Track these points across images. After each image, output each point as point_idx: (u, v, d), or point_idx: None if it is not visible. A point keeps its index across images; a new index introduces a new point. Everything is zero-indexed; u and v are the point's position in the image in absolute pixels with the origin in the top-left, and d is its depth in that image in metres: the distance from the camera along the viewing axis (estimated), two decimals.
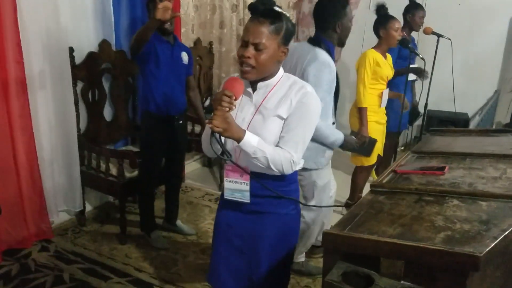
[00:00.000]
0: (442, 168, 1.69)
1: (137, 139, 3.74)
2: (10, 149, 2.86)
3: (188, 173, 4.47)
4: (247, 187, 1.71)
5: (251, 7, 1.61)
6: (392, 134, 3.78)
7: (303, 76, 2.34)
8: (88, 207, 3.55)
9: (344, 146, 2.60)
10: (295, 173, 1.80)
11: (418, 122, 4.27)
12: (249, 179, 1.71)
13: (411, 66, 3.64)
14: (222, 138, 1.58)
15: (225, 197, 1.78)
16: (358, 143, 2.85)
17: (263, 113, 1.65)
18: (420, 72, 3.73)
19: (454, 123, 4.54)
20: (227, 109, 1.53)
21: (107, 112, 3.54)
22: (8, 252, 2.96)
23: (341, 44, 2.59)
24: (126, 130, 3.68)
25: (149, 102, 2.99)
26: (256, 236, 1.81)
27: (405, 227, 1.28)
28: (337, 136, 2.53)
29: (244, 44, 1.59)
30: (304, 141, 1.67)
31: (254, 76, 1.62)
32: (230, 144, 1.66)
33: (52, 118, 3.15)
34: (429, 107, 4.07)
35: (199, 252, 3.16)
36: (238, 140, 1.56)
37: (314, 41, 2.48)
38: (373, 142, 3.06)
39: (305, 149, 1.72)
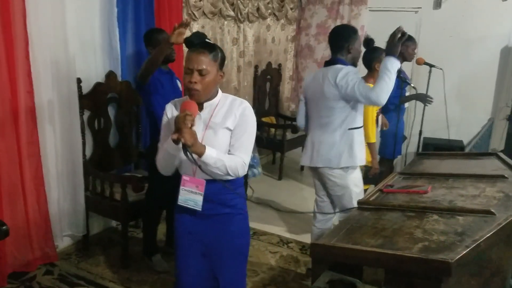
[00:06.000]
0: (425, 187, 1.79)
1: (140, 165, 3.85)
2: (18, 174, 2.96)
3: None
4: (201, 197, 1.91)
5: (187, 41, 1.88)
6: (388, 161, 3.90)
7: (341, 87, 2.68)
8: (92, 232, 3.62)
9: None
10: (242, 178, 2.03)
11: (414, 149, 4.39)
12: (203, 190, 1.90)
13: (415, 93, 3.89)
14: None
15: (178, 203, 1.96)
16: (371, 175, 3.24)
17: (213, 128, 1.90)
18: (423, 98, 3.86)
19: (450, 150, 4.63)
20: (189, 125, 1.73)
21: (112, 139, 3.66)
22: (14, 275, 3.02)
23: (354, 64, 2.89)
24: (130, 157, 3.79)
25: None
26: (214, 238, 2.00)
27: (386, 239, 1.38)
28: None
29: (189, 71, 1.83)
30: (251, 145, 1.94)
31: (201, 97, 1.86)
32: (187, 161, 1.82)
33: (59, 145, 3.26)
34: (425, 135, 4.20)
35: None
36: (201, 154, 1.76)
37: (331, 62, 2.84)
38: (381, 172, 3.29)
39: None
